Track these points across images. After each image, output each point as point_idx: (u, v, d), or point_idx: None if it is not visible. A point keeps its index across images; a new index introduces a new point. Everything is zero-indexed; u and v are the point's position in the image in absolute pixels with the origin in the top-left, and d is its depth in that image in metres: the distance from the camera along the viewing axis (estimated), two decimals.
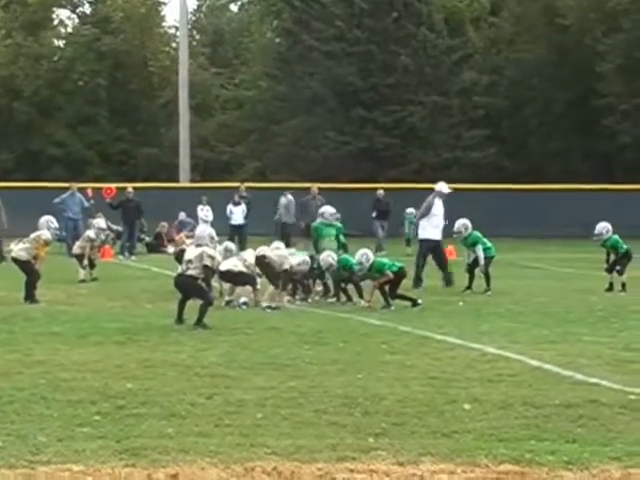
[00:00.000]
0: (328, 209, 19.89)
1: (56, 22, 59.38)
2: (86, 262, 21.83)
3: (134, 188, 32.95)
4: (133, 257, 30.20)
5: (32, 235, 18.18)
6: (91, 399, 9.24)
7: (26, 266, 17.76)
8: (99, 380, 10.16)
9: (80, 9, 59.98)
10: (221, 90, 57.58)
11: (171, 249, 29.72)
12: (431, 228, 21.22)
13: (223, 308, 16.59)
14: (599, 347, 12.55)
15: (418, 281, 20.53)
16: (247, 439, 7.85)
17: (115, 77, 55.02)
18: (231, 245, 19.12)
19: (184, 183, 44.85)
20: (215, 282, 17.38)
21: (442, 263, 21.30)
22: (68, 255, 28.91)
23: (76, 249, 22.33)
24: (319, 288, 18.62)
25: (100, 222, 23.40)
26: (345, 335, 13.63)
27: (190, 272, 14.49)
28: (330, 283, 18.44)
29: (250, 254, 17.46)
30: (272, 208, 35.34)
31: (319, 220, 19.68)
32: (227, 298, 17.26)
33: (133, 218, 31.40)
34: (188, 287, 14.57)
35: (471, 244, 20.14)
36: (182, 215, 34.33)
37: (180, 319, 14.52)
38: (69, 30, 58.75)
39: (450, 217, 21.16)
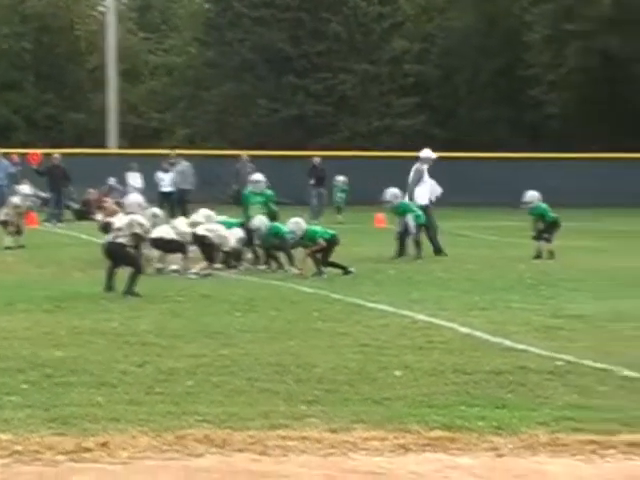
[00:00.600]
0: (256, 177, 19.79)
1: None
2: (12, 229, 21.51)
3: (61, 154, 32.48)
4: (60, 224, 29.83)
5: None
6: (19, 367, 9.12)
7: None
8: (27, 348, 10.03)
9: None
10: (150, 56, 56.97)
11: (99, 216, 29.44)
12: (424, 194, 21.31)
13: (153, 276, 16.48)
14: (528, 314, 12.70)
15: (438, 251, 20.57)
16: (178, 407, 7.80)
17: (41, 41, 54.12)
18: (158, 211, 18.94)
19: (112, 149, 44.35)
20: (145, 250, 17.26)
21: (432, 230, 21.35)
22: None
23: (1, 216, 22.00)
24: (250, 255, 18.58)
25: (25, 188, 23.06)
26: (277, 303, 13.63)
27: (119, 240, 14.35)
28: (260, 251, 18.41)
29: (182, 222, 17.36)
30: (203, 175, 35.08)
31: (249, 188, 19.60)
32: (158, 266, 17.15)
33: (60, 185, 30.97)
34: (117, 255, 14.42)
35: (401, 213, 20.23)
36: (112, 180, 33.94)
37: (109, 287, 14.38)
38: None
39: (382, 186, 21.21)
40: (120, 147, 45.11)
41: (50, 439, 6.83)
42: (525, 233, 22.22)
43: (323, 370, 9.22)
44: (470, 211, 37.42)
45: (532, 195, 20.63)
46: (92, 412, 7.57)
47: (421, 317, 12.37)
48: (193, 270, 16.58)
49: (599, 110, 47.97)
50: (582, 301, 14.00)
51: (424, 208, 21.09)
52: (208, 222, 17.68)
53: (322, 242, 17.16)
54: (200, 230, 17.13)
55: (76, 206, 33.24)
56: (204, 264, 16.85)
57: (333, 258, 17.46)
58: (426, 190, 21.33)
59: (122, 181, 33.71)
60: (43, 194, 31.26)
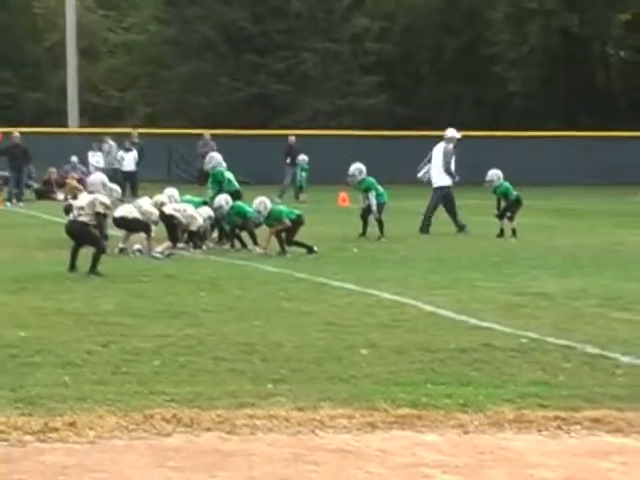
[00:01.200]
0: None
1: None
2: None
3: (21, 133, 32.20)
4: (21, 204, 29.62)
5: None
6: None
7: None
8: None
9: None
10: (109, 34, 56.49)
11: (61, 195, 29.28)
12: (445, 175, 21.36)
13: (116, 255, 16.41)
14: (492, 292, 12.78)
15: (461, 227, 20.77)
16: (145, 387, 7.80)
17: None
18: (118, 188, 18.59)
19: (73, 128, 44.02)
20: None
21: (453, 209, 21.35)
22: None
23: None
24: (215, 235, 18.53)
25: None
26: (241, 282, 13.62)
27: (82, 219, 14.27)
28: (226, 229, 18.36)
29: (146, 201, 17.29)
30: (165, 154, 34.96)
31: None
32: (121, 245, 17.07)
33: (20, 164, 30.72)
34: (80, 234, 14.34)
35: (364, 189, 20.26)
36: (74, 159, 33.69)
37: (73, 267, 14.31)
38: None
39: (345, 164, 21.25)
40: (81, 126, 44.78)
41: (17, 419, 6.81)
42: (487, 211, 22.32)
43: (289, 349, 9.24)
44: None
45: (494, 173, 20.74)
46: (59, 392, 7.55)
47: (386, 296, 12.41)
48: (157, 249, 16.52)
49: (558, 88, 48.25)
50: (545, 279, 14.11)
51: (446, 189, 21.20)
52: (172, 201, 17.61)
53: (287, 222, 17.17)
54: (168, 209, 17.05)
55: (37, 185, 32.99)
56: (168, 244, 16.80)
57: (297, 238, 17.46)
58: (449, 170, 21.41)
59: (83, 160, 33.47)
60: (3, 173, 31.06)
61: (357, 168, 20.28)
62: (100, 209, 14.31)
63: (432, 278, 14.11)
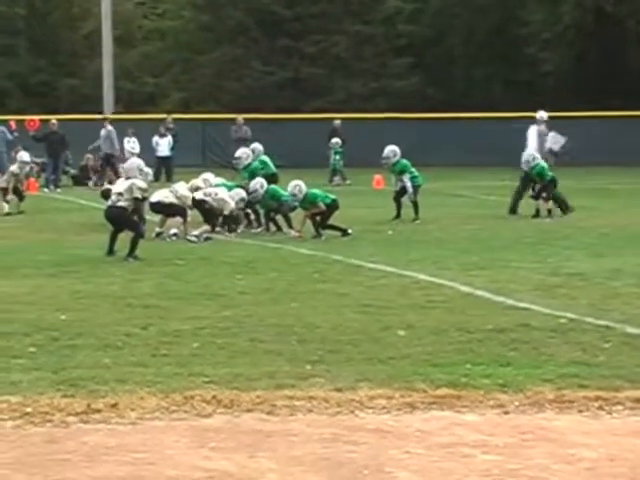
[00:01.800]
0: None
1: None
2: (11, 196, 21.54)
3: (58, 120, 32.36)
4: (58, 190, 29.80)
5: None
6: (25, 331, 9.17)
7: None
8: (32, 312, 10.08)
9: None
10: (144, 20, 56.62)
11: (90, 182, 29.50)
12: (540, 156, 21.32)
13: (153, 239, 16.49)
14: (528, 272, 12.75)
15: (566, 208, 20.49)
16: (184, 368, 7.86)
17: (34, 6, 53.74)
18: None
19: (108, 115, 44.19)
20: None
21: (521, 193, 21.17)
22: None
23: (1, 182, 22.05)
24: (253, 217, 18.55)
25: (23, 155, 22.98)
26: (277, 265, 13.67)
27: (120, 204, 14.37)
28: (254, 214, 18.41)
29: (182, 186, 17.36)
30: (199, 139, 34.94)
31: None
32: (157, 230, 17.15)
33: (58, 151, 30.89)
34: (119, 219, 14.45)
35: (398, 172, 20.22)
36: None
37: (111, 251, 14.42)
38: None
39: (380, 147, 21.20)
40: (116, 112, 44.94)
41: (60, 401, 6.90)
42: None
43: (326, 330, 9.28)
44: (466, 171, 37.37)
45: (529, 154, 20.63)
46: (100, 374, 7.63)
47: (422, 277, 12.40)
48: (194, 232, 16.57)
49: (592, 68, 47.85)
50: (580, 259, 14.06)
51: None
52: (207, 185, 17.67)
53: (322, 206, 17.19)
54: (198, 195, 17.12)
55: (73, 172, 33.15)
56: (206, 227, 16.85)
57: (332, 221, 17.46)
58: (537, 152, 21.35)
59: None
60: (39, 160, 31.21)
61: (391, 150, 20.25)
62: (138, 194, 14.42)
63: (467, 259, 14.08)
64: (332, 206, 17.39)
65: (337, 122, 34.38)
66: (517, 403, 6.91)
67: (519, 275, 12.55)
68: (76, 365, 7.93)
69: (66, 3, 55.05)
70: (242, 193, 17.80)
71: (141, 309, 10.33)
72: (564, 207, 20.36)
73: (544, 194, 20.29)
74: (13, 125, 31.71)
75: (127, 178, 14.75)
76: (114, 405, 6.80)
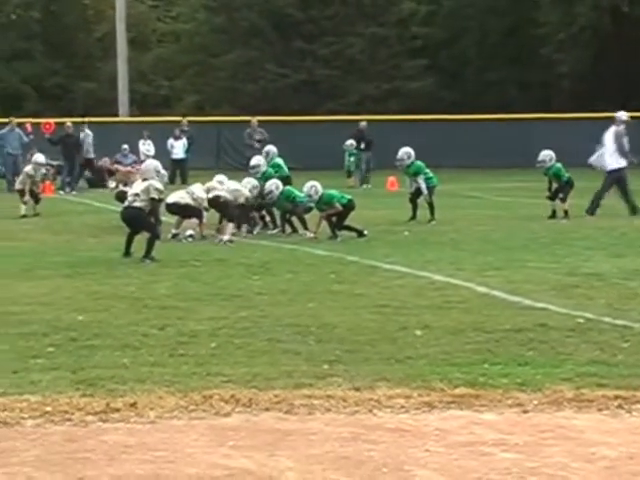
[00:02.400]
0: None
1: None
2: (27, 197, 21.62)
3: (73, 123, 32.47)
4: (74, 192, 29.91)
5: None
6: (43, 331, 9.21)
7: None
8: (50, 313, 10.12)
9: None
10: (158, 23, 56.77)
11: (112, 184, 29.52)
12: (618, 157, 21.32)
13: (169, 241, 16.52)
14: (544, 273, 12.72)
15: (634, 209, 20.60)
16: (202, 368, 7.88)
17: (49, 10, 53.97)
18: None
19: (124, 117, 44.34)
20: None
21: (626, 191, 21.26)
22: (7, 191, 28.60)
23: (17, 184, 22.17)
24: (268, 218, 18.58)
25: (38, 157, 23.06)
26: (293, 265, 13.68)
27: (137, 204, 14.41)
28: (277, 214, 18.44)
29: (198, 187, 17.40)
30: (214, 141, 34.96)
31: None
32: (173, 231, 17.18)
33: (73, 153, 31.01)
34: (135, 219, 14.48)
35: (413, 174, 20.21)
36: (125, 147, 33.82)
37: (128, 253, 14.46)
38: None
39: (393, 149, 21.21)
40: (131, 115, 45.09)
41: (79, 400, 6.92)
42: (536, 194, 22.16)
43: (343, 330, 9.28)
44: (481, 173, 37.37)
45: (547, 154, 20.58)
46: (118, 373, 7.65)
47: (438, 277, 12.39)
48: (225, 238, 16.45)
49: (608, 69, 47.73)
50: (597, 259, 14.02)
51: (620, 171, 21.06)
52: (221, 187, 17.69)
53: (338, 206, 17.21)
54: (211, 193, 17.13)
55: (89, 174, 33.25)
56: (230, 226, 16.80)
57: (348, 221, 17.47)
58: (620, 153, 21.35)
59: (134, 149, 33.68)
60: (55, 162, 31.30)
61: (406, 152, 20.24)
62: (155, 195, 14.46)
63: (484, 259, 14.06)
64: (348, 206, 17.40)
65: (363, 124, 34.19)
66: (536, 402, 6.90)
67: (536, 275, 12.53)
68: (94, 365, 7.96)
69: (80, 6, 55.28)
70: (253, 181, 17.87)
71: (158, 310, 10.35)
72: (632, 207, 20.49)
73: (560, 195, 20.25)
74: (29, 128, 31.85)
75: (144, 180, 14.78)
76: (133, 404, 6.82)
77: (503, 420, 6.58)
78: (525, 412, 6.74)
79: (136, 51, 52.57)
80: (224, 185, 17.90)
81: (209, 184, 17.79)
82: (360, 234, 17.12)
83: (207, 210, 17.24)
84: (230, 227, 16.83)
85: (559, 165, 20.47)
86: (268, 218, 18.56)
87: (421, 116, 41.63)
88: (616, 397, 6.93)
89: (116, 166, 31.85)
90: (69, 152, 30.89)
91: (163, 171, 15.53)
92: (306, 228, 17.67)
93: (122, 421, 6.55)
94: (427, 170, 20.23)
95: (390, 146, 21.85)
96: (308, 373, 7.71)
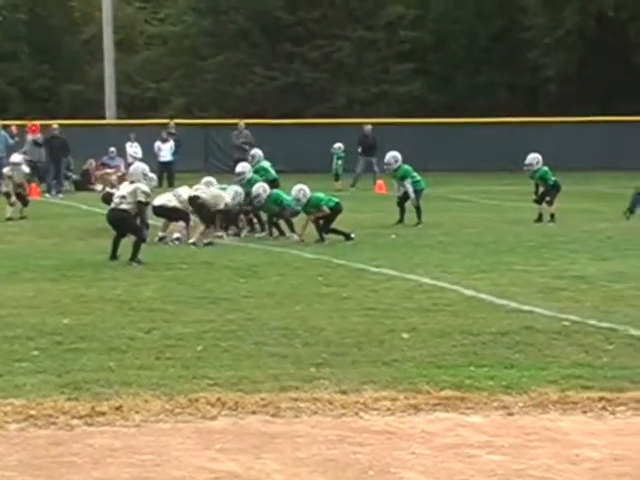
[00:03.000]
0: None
1: None
2: (13, 199, 21.53)
3: (60, 125, 32.37)
4: (60, 195, 29.81)
5: None
6: (28, 335, 9.18)
7: None
8: (35, 316, 10.09)
9: None
10: (145, 25, 56.66)
11: (99, 186, 29.49)
12: None
13: (156, 244, 16.50)
14: (531, 276, 12.75)
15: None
16: (189, 371, 7.87)
17: (35, 12, 53.82)
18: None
19: (111, 120, 44.26)
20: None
21: None
22: None
23: (2, 187, 22.09)
24: (256, 221, 18.56)
25: (13, 157, 22.89)
26: (280, 269, 13.67)
27: (123, 207, 14.38)
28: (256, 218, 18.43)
29: (185, 190, 17.37)
30: (201, 144, 34.86)
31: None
32: (160, 234, 17.15)
33: (59, 155, 30.88)
34: (122, 222, 14.45)
35: (400, 177, 20.23)
36: (112, 150, 33.74)
37: (114, 256, 14.43)
38: None
39: (381, 152, 21.21)
40: (118, 117, 45.01)
41: (64, 403, 6.90)
42: (523, 197, 22.18)
43: (330, 333, 9.28)
44: (468, 176, 37.41)
45: (534, 157, 20.60)
46: (104, 377, 7.63)
47: (425, 280, 12.41)
48: (192, 239, 16.56)
49: (594, 73, 47.87)
50: (583, 262, 14.07)
51: None
52: (209, 188, 17.65)
53: (326, 209, 17.21)
54: (192, 192, 17.09)
55: (75, 177, 33.16)
56: (201, 229, 16.81)
57: (335, 224, 17.47)
58: None
59: (121, 152, 33.62)
60: (33, 160, 30.97)
61: (393, 156, 20.25)
62: (142, 198, 14.44)
63: (470, 262, 14.09)
64: (335, 209, 17.41)
65: (368, 127, 33.93)
66: (521, 404, 6.92)
67: (522, 278, 12.56)
68: (80, 368, 7.94)
69: (67, 8, 55.12)
70: (238, 189, 17.83)
71: (145, 313, 10.34)
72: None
73: (547, 198, 20.29)
74: (15, 130, 31.74)
75: (131, 182, 14.75)
76: (118, 408, 6.80)
77: (489, 422, 6.59)
78: (511, 414, 6.76)
79: (123, 53, 52.45)
80: (210, 187, 17.87)
81: (196, 187, 17.76)
82: (347, 237, 17.12)
83: (194, 213, 17.20)
84: (200, 230, 16.81)
85: (546, 168, 20.50)
86: (255, 221, 18.55)
87: (409, 119, 41.66)
88: (601, 399, 6.95)
89: (102, 171, 31.80)
90: (55, 154, 30.76)
91: (151, 174, 15.52)
92: (293, 231, 17.66)
93: (108, 425, 6.54)
94: (415, 174, 20.25)
95: (379, 150, 21.82)
96: (295, 376, 7.71)
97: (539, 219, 20.11)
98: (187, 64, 51.73)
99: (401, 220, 19.87)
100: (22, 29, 52.93)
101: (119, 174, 25.09)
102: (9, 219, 21.04)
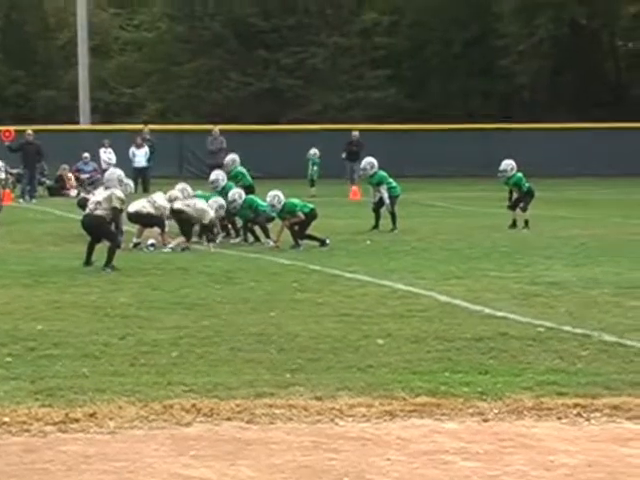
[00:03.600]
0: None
1: None
2: None
3: (34, 131, 32.22)
4: (34, 200, 29.68)
5: None
6: (1, 341, 9.12)
7: None
8: (8, 322, 10.02)
9: None
10: (120, 31, 56.51)
11: (73, 192, 29.40)
12: None
13: (131, 250, 16.44)
14: (505, 282, 12.79)
15: None
16: (164, 377, 7.83)
17: (10, 18, 53.60)
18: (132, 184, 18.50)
19: (85, 125, 44.10)
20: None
21: None
22: None
23: None
24: (230, 227, 18.53)
25: None
26: (255, 274, 13.65)
27: (98, 212, 14.32)
28: (239, 224, 18.42)
29: (160, 196, 17.33)
30: (176, 150, 34.75)
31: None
32: (135, 240, 17.09)
33: (33, 161, 30.72)
34: (96, 227, 14.39)
35: (376, 183, 20.26)
36: (86, 155, 33.60)
37: (88, 262, 14.36)
38: None
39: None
40: (92, 123, 44.85)
41: (37, 410, 6.85)
42: (498, 203, 22.25)
43: (305, 339, 9.27)
44: (443, 182, 37.51)
45: (508, 163, 20.67)
46: (78, 383, 7.59)
47: (399, 286, 12.43)
48: (170, 245, 16.57)
49: (568, 80, 48.14)
50: (558, 268, 14.12)
51: None
52: (184, 195, 17.64)
53: (301, 215, 17.22)
54: (176, 205, 17.09)
55: (49, 182, 33.03)
56: (180, 239, 16.84)
57: (310, 230, 17.48)
58: None
59: (95, 157, 33.50)
60: (14, 171, 30.99)
61: (368, 162, 20.29)
62: (117, 204, 14.38)
63: (445, 268, 14.12)
64: (310, 215, 17.41)
65: (355, 134, 34.03)
66: (496, 411, 6.93)
67: (497, 284, 12.60)
68: (54, 375, 7.89)
69: (41, 13, 54.89)
70: (220, 200, 17.79)
71: (119, 319, 10.29)
72: None
73: (521, 204, 20.36)
74: None
75: (106, 188, 14.70)
76: (92, 414, 6.76)
77: (464, 429, 6.60)
78: (486, 421, 6.77)
79: (98, 59, 52.28)
80: (188, 193, 17.82)
81: (171, 193, 17.73)
82: (322, 243, 17.13)
83: (169, 219, 17.17)
84: (180, 240, 16.79)
85: (520, 175, 20.58)
86: (230, 227, 18.52)
87: (384, 126, 41.73)
88: (575, 405, 6.97)
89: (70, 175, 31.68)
90: (29, 160, 30.61)
91: (127, 180, 15.47)
92: (268, 237, 17.65)
93: (81, 431, 6.50)
94: (390, 180, 20.29)
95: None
96: (270, 382, 7.69)
97: (513, 225, 20.19)
98: (162, 70, 51.67)
99: (376, 226, 19.90)
100: None
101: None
102: None
